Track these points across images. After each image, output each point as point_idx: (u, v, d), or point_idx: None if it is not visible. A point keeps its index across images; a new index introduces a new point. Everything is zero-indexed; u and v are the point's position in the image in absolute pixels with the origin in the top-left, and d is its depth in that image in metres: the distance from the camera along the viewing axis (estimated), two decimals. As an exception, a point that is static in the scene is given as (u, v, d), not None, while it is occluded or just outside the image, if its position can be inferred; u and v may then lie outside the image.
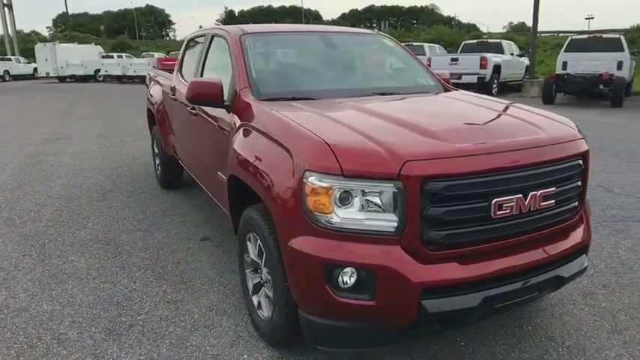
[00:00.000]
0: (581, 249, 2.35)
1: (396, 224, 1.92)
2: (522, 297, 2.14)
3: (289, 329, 2.32)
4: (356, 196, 1.94)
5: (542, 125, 2.34)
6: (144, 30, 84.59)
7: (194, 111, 3.60)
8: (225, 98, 2.93)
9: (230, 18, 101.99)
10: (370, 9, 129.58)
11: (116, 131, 9.73)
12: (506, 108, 2.73)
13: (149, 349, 2.56)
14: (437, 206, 1.91)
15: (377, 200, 1.93)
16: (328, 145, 1.99)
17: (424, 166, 1.90)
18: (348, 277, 1.98)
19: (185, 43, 4.49)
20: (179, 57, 4.54)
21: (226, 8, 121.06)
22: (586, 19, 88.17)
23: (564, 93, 14.22)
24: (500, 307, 2.12)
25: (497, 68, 16.12)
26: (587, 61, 13.60)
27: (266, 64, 3.13)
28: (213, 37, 3.71)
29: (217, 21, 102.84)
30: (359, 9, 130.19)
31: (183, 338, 2.66)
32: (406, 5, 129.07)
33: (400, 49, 3.75)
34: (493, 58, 16.03)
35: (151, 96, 5.44)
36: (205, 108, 3.34)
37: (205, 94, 2.89)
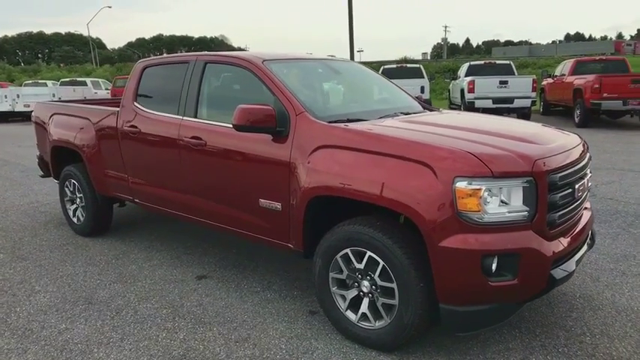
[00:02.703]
0: (592, 216, 3.15)
1: (527, 213, 2.36)
2: (583, 256, 2.80)
3: (422, 327, 2.52)
4: (497, 194, 2.32)
5: (563, 130, 3.08)
6: None
7: (199, 141, 3.41)
8: None
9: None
10: (159, 38, 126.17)
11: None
12: (518, 121, 3.44)
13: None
14: (554, 193, 2.43)
15: (514, 194, 2.34)
16: (472, 154, 2.33)
17: (546, 163, 2.40)
18: (496, 264, 2.33)
19: (139, 71, 4.10)
20: (130, 87, 4.12)
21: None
22: (358, 51, 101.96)
23: None
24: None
25: None
26: (398, 86, 16.19)
27: (303, 89, 3.20)
28: (206, 64, 3.58)
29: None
30: (146, 37, 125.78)
31: (294, 369, 2.58)
32: (196, 35, 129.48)
33: (378, 74, 4.20)
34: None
35: (68, 133, 4.71)
36: (226, 139, 3.23)
37: (260, 121, 2.87)
